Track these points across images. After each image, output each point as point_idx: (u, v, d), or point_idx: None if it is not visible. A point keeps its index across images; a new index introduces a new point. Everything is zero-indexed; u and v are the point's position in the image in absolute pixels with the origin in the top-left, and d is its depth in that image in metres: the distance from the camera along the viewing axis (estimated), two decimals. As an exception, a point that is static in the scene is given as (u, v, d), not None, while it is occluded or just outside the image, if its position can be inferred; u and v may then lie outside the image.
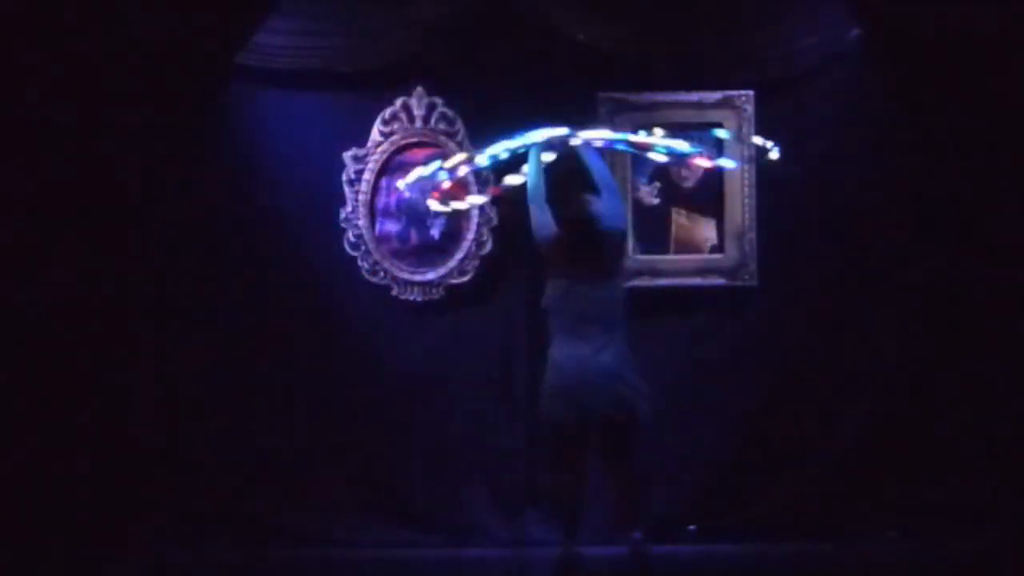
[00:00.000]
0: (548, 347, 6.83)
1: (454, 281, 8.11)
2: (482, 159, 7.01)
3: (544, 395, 6.75)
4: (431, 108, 8.11)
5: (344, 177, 8.12)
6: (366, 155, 8.13)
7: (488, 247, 8.09)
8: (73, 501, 7.33)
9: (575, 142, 6.85)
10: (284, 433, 7.98)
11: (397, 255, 8.13)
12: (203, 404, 7.94)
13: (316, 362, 8.02)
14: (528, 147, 6.89)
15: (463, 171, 7.21)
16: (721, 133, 7.64)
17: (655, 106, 8.06)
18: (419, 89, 8.12)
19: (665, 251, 8.07)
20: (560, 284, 6.76)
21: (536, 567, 7.57)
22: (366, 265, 8.12)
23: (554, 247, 6.78)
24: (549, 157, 6.93)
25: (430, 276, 8.11)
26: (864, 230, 7.95)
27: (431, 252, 8.13)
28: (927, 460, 7.76)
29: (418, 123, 8.12)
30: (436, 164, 7.13)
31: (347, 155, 8.13)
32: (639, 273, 7.94)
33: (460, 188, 8.06)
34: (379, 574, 7.40)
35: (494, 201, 7.86)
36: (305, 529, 7.87)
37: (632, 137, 7.09)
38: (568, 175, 7.03)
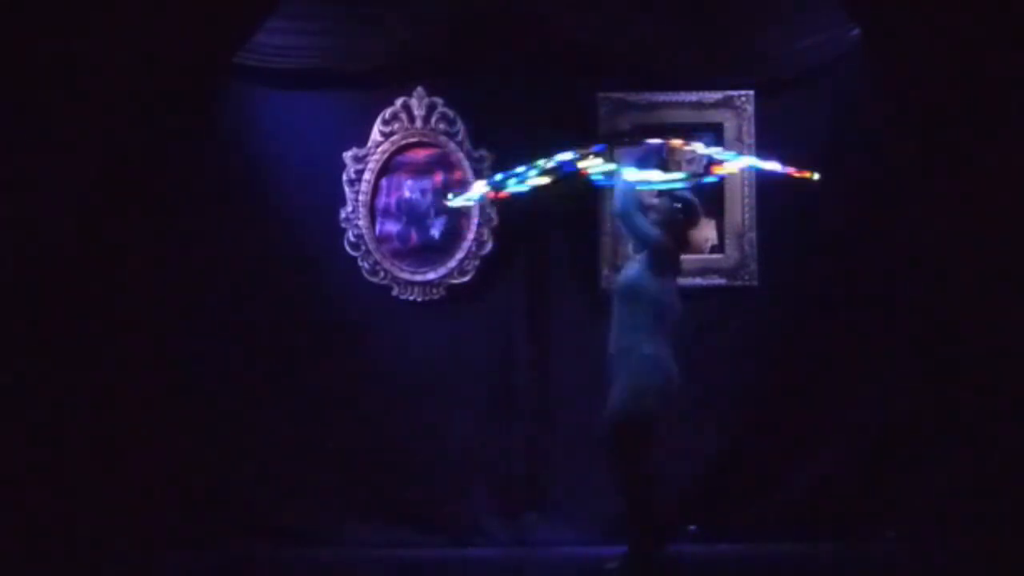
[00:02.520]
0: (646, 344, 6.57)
1: (454, 281, 8.11)
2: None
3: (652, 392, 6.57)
4: (431, 108, 8.11)
5: (344, 177, 8.12)
6: (366, 155, 8.13)
7: (488, 247, 8.09)
8: (73, 501, 7.34)
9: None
10: (284, 433, 7.98)
11: (397, 255, 8.13)
12: (203, 404, 7.93)
13: (316, 362, 8.02)
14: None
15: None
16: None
17: (655, 106, 8.06)
18: (419, 89, 8.12)
19: (665, 251, 8.06)
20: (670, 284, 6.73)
21: (536, 567, 7.58)
22: (366, 265, 8.12)
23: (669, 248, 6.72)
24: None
25: (430, 276, 8.11)
26: (864, 230, 7.95)
27: (431, 252, 8.13)
28: (927, 460, 7.76)
29: (418, 123, 8.11)
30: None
31: (347, 155, 8.13)
32: (639, 273, 7.94)
33: (459, 186, 8.09)
34: (379, 574, 7.40)
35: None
36: (305, 529, 7.87)
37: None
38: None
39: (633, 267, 6.68)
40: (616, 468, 6.52)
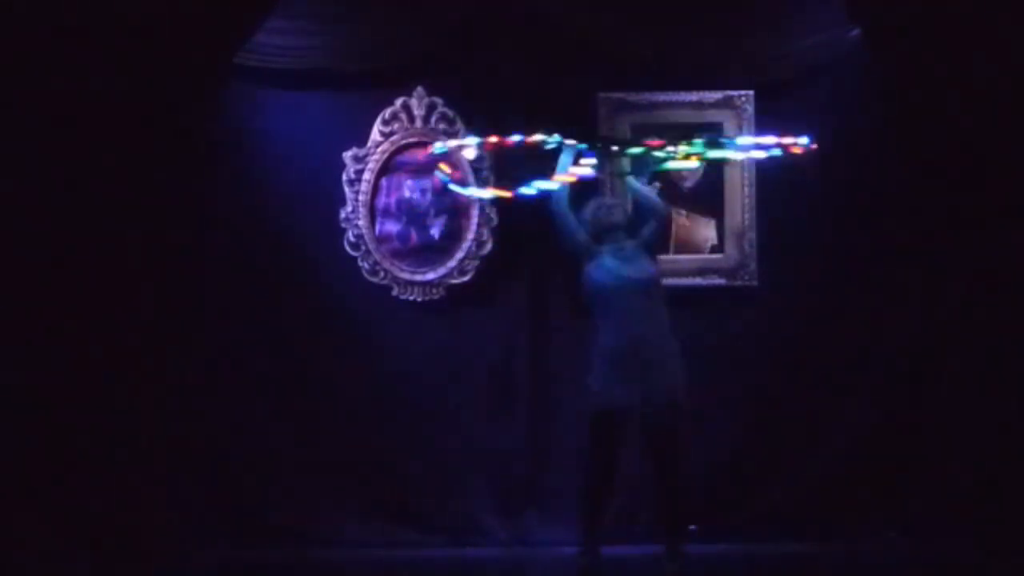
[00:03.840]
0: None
1: (454, 281, 8.11)
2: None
3: None
4: (431, 108, 8.11)
5: (344, 177, 8.12)
6: (366, 155, 8.13)
7: (488, 247, 8.09)
8: (73, 502, 7.33)
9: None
10: (284, 433, 7.99)
11: (397, 255, 8.13)
12: (204, 404, 7.93)
13: (316, 362, 8.03)
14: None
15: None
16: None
17: (655, 106, 8.07)
18: (419, 89, 8.12)
19: (665, 251, 8.06)
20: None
21: (536, 567, 7.58)
22: (366, 265, 8.12)
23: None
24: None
25: (430, 276, 8.11)
26: (864, 230, 7.95)
27: (431, 252, 8.13)
28: (927, 460, 7.77)
29: (418, 123, 8.11)
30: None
31: (347, 155, 8.13)
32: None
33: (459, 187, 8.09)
34: (379, 574, 7.40)
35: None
36: (305, 529, 7.87)
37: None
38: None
39: (637, 259, 6.78)
40: (672, 456, 6.76)
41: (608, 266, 6.81)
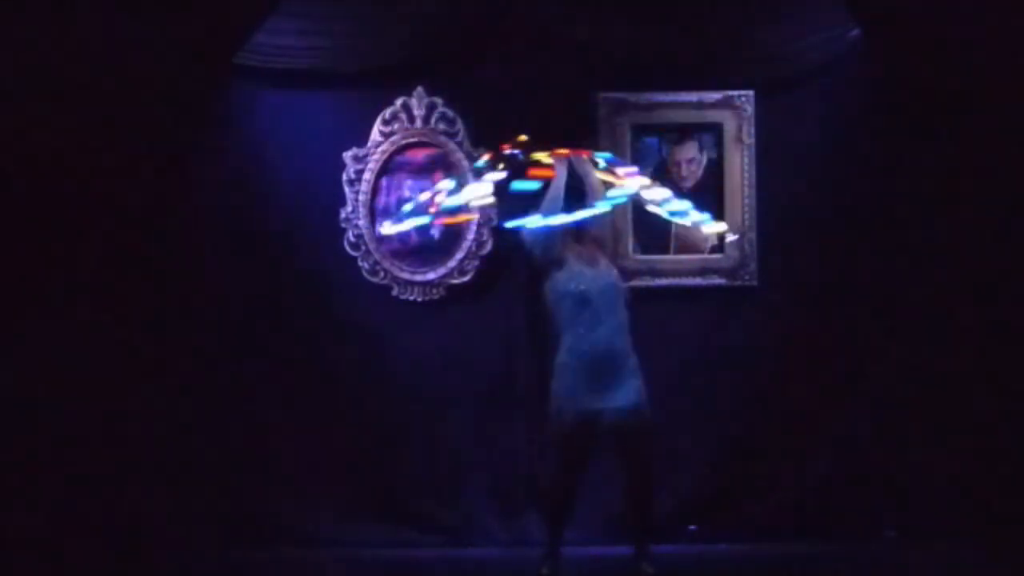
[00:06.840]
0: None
1: (454, 281, 8.11)
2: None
3: None
4: (431, 108, 8.12)
5: (344, 177, 8.13)
6: (366, 155, 8.14)
7: (488, 247, 8.09)
8: (73, 501, 7.33)
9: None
10: (284, 433, 7.98)
11: (397, 255, 8.13)
12: (203, 404, 7.93)
13: (316, 362, 8.02)
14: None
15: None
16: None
17: (655, 106, 8.07)
18: (419, 89, 8.12)
19: (665, 251, 8.08)
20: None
21: (536, 567, 7.57)
22: (366, 265, 8.12)
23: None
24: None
25: (430, 276, 8.11)
26: (864, 230, 7.96)
27: (431, 252, 8.13)
28: (927, 459, 7.76)
29: (418, 123, 8.12)
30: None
31: (347, 155, 8.13)
32: (639, 273, 7.95)
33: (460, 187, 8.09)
34: (379, 574, 7.40)
35: None
36: (305, 529, 7.87)
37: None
38: None
39: (598, 262, 6.74)
40: (649, 461, 6.64)
41: (579, 271, 6.70)
